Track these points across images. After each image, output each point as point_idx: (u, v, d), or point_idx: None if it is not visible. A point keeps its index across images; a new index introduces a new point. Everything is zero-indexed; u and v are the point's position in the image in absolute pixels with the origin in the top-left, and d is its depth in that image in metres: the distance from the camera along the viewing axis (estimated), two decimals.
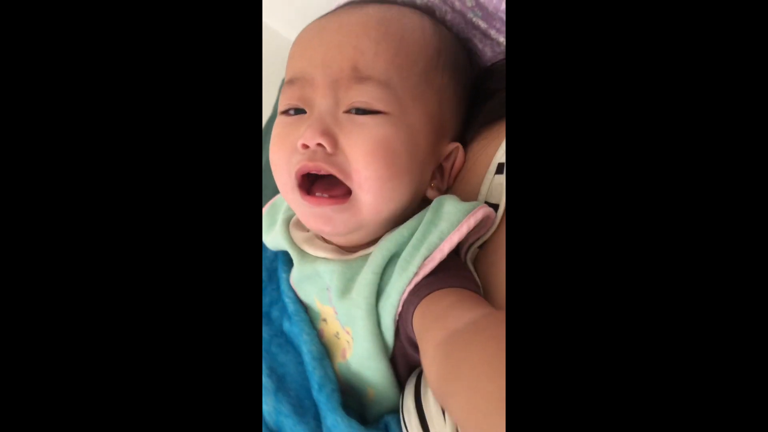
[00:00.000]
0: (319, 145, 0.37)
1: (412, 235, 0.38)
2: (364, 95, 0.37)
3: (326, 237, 0.43)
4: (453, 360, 0.28)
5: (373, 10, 0.40)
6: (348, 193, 0.38)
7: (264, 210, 0.53)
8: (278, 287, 0.47)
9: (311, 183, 0.39)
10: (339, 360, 0.41)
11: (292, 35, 0.94)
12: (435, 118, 0.40)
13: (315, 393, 0.39)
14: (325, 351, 0.41)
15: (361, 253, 0.41)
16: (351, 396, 0.40)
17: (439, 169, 0.43)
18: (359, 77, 0.37)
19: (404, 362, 0.39)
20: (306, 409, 0.39)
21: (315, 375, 0.39)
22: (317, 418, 0.38)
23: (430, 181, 0.42)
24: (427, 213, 0.38)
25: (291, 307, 0.44)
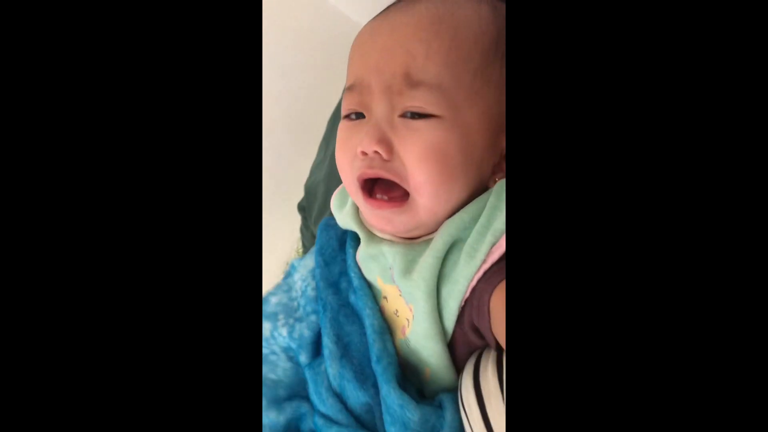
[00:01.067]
0: (376, 152, 0.38)
1: (474, 220, 0.38)
2: (417, 100, 0.37)
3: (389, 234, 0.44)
4: None
5: (424, 7, 0.39)
6: (406, 194, 0.39)
7: (337, 191, 0.55)
8: (345, 259, 0.49)
9: (373, 184, 0.41)
10: (399, 336, 0.43)
11: (357, 17, 0.95)
12: (493, 113, 0.40)
13: (374, 364, 0.41)
14: (386, 326, 0.43)
15: (424, 238, 0.42)
16: (410, 372, 0.42)
17: (503, 160, 0.42)
18: (411, 82, 0.37)
19: (465, 347, 0.40)
20: (367, 377, 0.41)
21: (374, 347, 0.41)
22: (376, 386, 0.40)
23: (493, 176, 0.41)
24: (491, 197, 0.38)
25: (356, 281, 0.46)
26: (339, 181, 0.75)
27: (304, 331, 0.47)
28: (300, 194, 0.95)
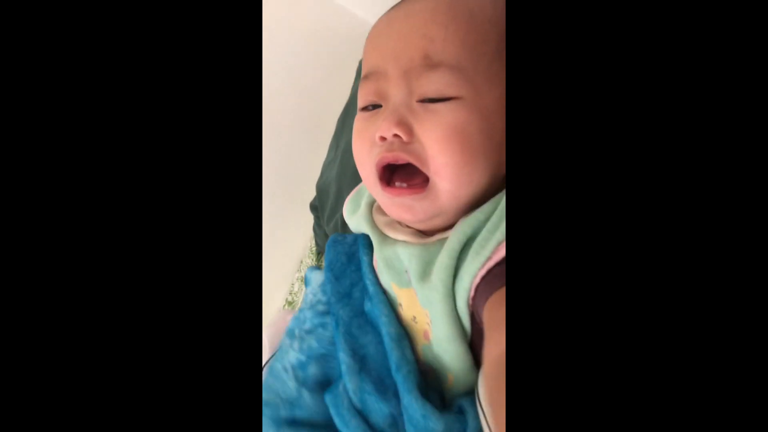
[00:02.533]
0: (396, 135, 0.38)
1: (487, 218, 0.38)
2: (436, 82, 0.37)
3: (408, 224, 0.44)
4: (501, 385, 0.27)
5: None
6: (426, 181, 0.39)
7: (349, 196, 0.55)
8: (358, 269, 0.49)
9: (391, 173, 0.40)
10: (423, 342, 0.42)
11: (366, 15, 0.94)
12: None
13: (393, 373, 0.40)
14: (404, 332, 0.43)
15: (438, 237, 0.41)
16: (432, 379, 0.41)
17: None
18: (430, 64, 0.37)
19: (482, 345, 0.39)
20: (387, 387, 0.40)
21: (393, 355, 0.40)
22: (398, 396, 0.40)
23: None
24: (504, 197, 0.38)
25: (371, 288, 0.45)
26: (350, 180, 0.76)
27: (312, 342, 0.47)
28: (312, 193, 0.95)
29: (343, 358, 0.43)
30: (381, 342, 0.43)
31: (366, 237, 0.50)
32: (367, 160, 0.41)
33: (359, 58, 1.00)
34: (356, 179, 0.75)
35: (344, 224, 0.76)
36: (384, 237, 0.45)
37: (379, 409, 0.40)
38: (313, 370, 0.46)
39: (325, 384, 0.45)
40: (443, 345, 0.39)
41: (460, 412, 0.38)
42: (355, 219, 0.49)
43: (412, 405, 0.37)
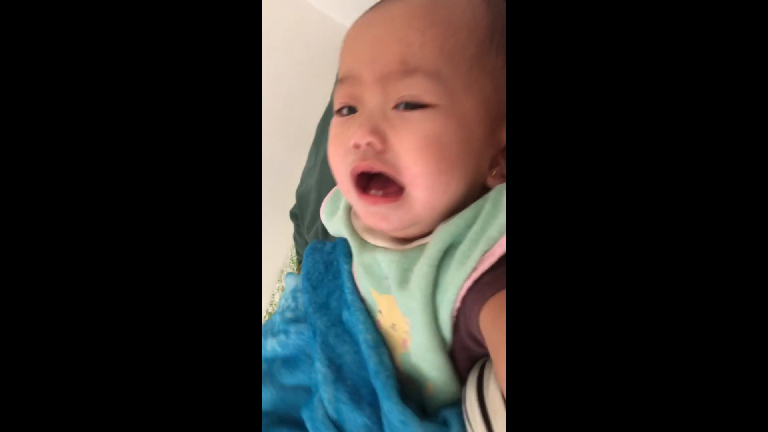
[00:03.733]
0: (369, 144, 0.37)
1: (468, 225, 0.37)
2: (413, 88, 0.36)
3: (384, 232, 0.43)
4: None
5: None
6: (401, 189, 0.38)
7: (327, 198, 0.53)
8: (336, 278, 0.48)
9: (368, 180, 0.39)
10: (401, 350, 0.41)
11: (344, 20, 0.94)
12: (491, 104, 0.38)
13: (372, 379, 0.39)
14: (381, 339, 0.42)
15: (417, 243, 0.40)
16: (411, 389, 0.41)
17: (501, 155, 0.41)
18: (407, 70, 0.36)
19: (465, 356, 0.39)
20: (362, 396, 0.40)
21: (371, 362, 0.40)
22: (373, 405, 0.39)
23: (491, 170, 0.40)
24: (486, 204, 0.37)
25: (349, 296, 0.45)
26: (330, 187, 0.74)
27: (275, 345, 0.47)
28: (291, 200, 0.93)
29: (319, 368, 0.42)
30: (358, 351, 0.42)
31: (345, 244, 0.48)
32: (341, 166, 0.40)
33: (335, 63, 0.99)
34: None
35: (325, 232, 0.75)
36: (363, 243, 0.44)
37: (353, 419, 0.39)
38: (282, 372, 0.47)
39: (278, 385, 0.47)
40: (422, 354, 0.38)
41: (444, 423, 0.37)
42: (334, 223, 0.48)
43: (392, 410, 0.37)
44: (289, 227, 0.97)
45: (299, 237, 0.89)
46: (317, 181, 0.76)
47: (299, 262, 0.94)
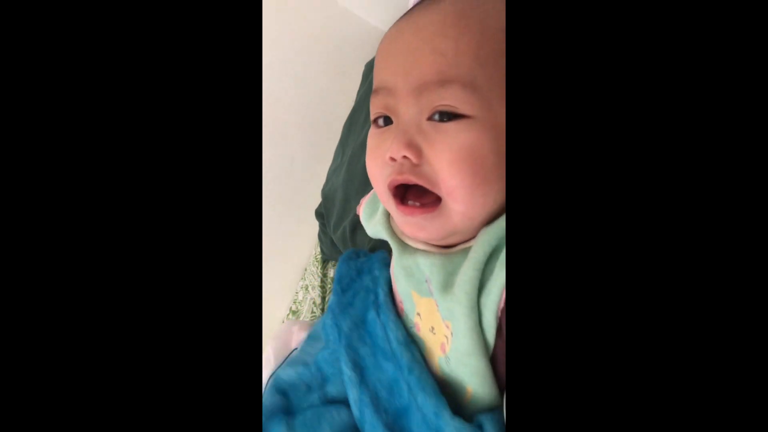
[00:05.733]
0: (405, 157, 0.37)
1: None
2: (448, 99, 0.35)
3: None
4: None
5: (449, 3, 0.37)
6: (438, 200, 0.38)
7: (366, 199, 0.53)
8: (365, 281, 0.49)
9: (405, 190, 0.40)
10: (439, 354, 0.41)
11: (371, 19, 0.94)
12: None
13: (405, 375, 0.40)
14: (411, 339, 0.43)
15: (461, 247, 0.40)
16: (448, 394, 0.40)
17: None
18: (442, 80, 0.35)
19: (506, 361, 0.38)
20: (380, 399, 0.41)
21: (404, 358, 0.40)
22: (387, 411, 0.40)
23: None
24: None
25: (383, 299, 0.45)
26: (357, 187, 0.74)
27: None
28: (317, 199, 0.94)
29: (345, 370, 0.43)
30: (375, 354, 0.43)
31: (382, 256, 0.49)
32: (380, 178, 0.40)
33: (365, 61, 0.99)
34: (363, 186, 0.73)
35: (352, 231, 0.75)
36: (404, 245, 0.44)
37: (373, 423, 0.40)
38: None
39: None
40: (462, 359, 0.38)
41: (480, 428, 0.36)
42: (373, 224, 0.49)
43: (426, 403, 0.37)
44: (313, 226, 0.97)
45: (324, 236, 0.90)
46: (343, 180, 0.76)
47: (323, 261, 0.94)
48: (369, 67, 0.92)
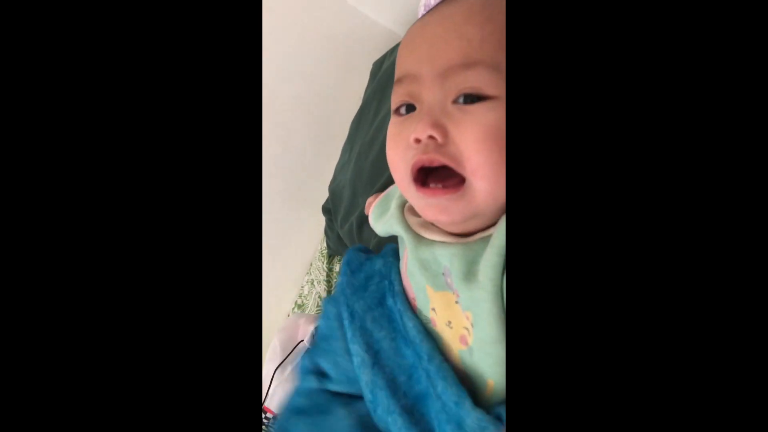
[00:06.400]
0: (431, 137, 0.37)
1: None
2: (473, 80, 0.36)
3: (442, 227, 0.43)
4: None
5: None
6: (462, 182, 0.38)
7: (376, 201, 0.54)
8: (376, 265, 0.48)
9: (426, 176, 0.40)
10: (459, 347, 0.41)
11: (380, 18, 0.94)
12: None
13: (425, 364, 0.40)
14: (426, 330, 0.43)
15: (480, 236, 0.40)
16: (469, 386, 0.40)
17: None
18: (467, 63, 0.36)
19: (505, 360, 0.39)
20: (398, 385, 0.40)
21: (424, 347, 0.40)
22: (408, 395, 0.40)
23: None
24: None
25: (397, 285, 0.45)
26: (365, 183, 0.75)
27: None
28: (323, 195, 0.95)
29: (357, 351, 0.43)
30: (395, 338, 0.43)
31: (391, 247, 0.49)
32: (401, 163, 0.40)
33: (373, 60, 1.00)
34: (371, 182, 0.74)
35: (359, 226, 0.76)
36: (419, 238, 0.44)
37: (387, 405, 0.40)
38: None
39: None
40: (487, 348, 0.38)
41: (499, 419, 0.37)
42: (384, 222, 0.49)
43: (446, 392, 0.37)
44: (319, 222, 0.98)
45: (330, 231, 0.91)
46: (351, 177, 0.77)
47: (330, 255, 0.95)
48: (377, 66, 0.93)
